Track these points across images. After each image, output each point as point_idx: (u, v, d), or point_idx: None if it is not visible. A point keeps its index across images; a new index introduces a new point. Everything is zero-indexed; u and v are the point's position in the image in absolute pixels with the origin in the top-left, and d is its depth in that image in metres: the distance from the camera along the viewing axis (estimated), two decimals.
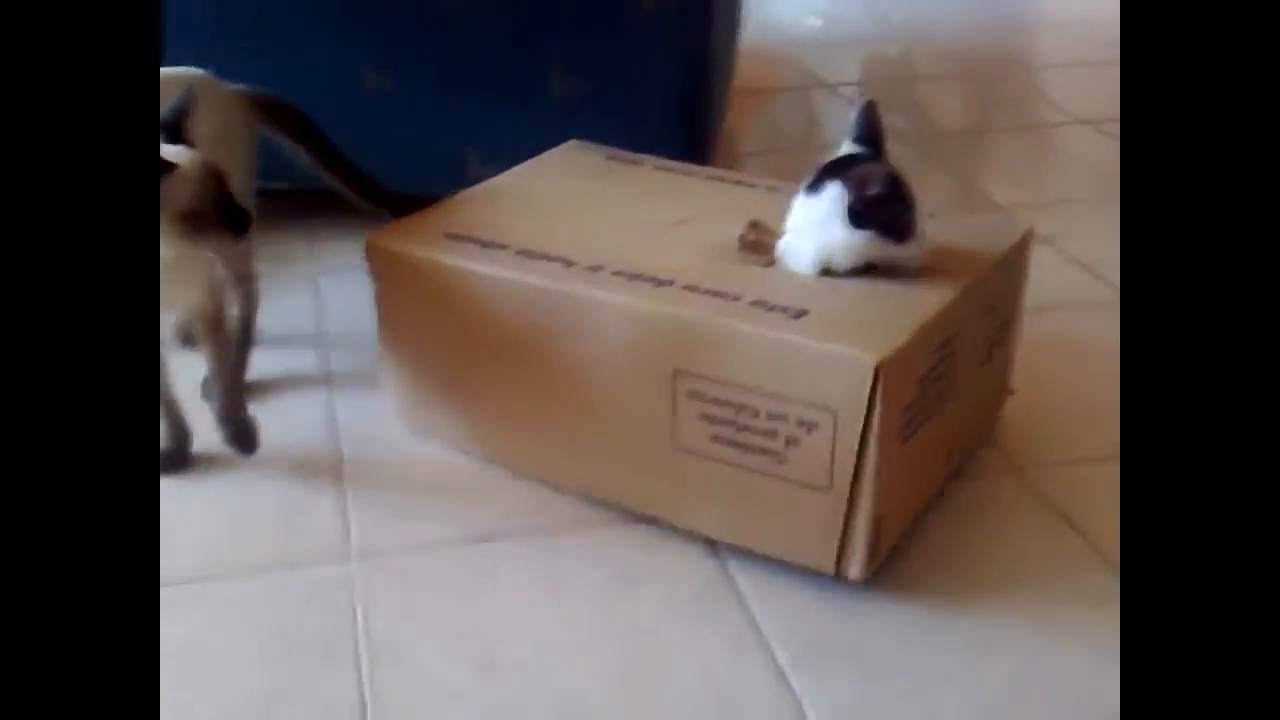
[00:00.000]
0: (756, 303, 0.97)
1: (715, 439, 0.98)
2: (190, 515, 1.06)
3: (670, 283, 1.00)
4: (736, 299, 0.98)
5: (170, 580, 0.85)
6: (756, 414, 0.95)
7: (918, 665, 0.91)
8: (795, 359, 0.93)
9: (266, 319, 1.23)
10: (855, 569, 0.95)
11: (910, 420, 0.95)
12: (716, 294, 0.98)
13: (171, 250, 0.93)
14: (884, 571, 0.98)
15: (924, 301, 0.98)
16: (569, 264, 1.04)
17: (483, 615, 0.97)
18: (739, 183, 1.23)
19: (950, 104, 2.25)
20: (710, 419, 0.97)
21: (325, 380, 1.28)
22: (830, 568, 0.96)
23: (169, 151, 0.96)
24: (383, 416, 1.18)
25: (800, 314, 0.95)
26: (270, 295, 1.24)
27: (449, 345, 1.10)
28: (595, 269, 1.03)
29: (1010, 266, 1.11)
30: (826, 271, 1.01)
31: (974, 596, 0.98)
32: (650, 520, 1.05)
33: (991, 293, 1.07)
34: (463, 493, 1.11)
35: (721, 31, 1.60)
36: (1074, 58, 2.38)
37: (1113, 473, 1.10)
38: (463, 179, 1.27)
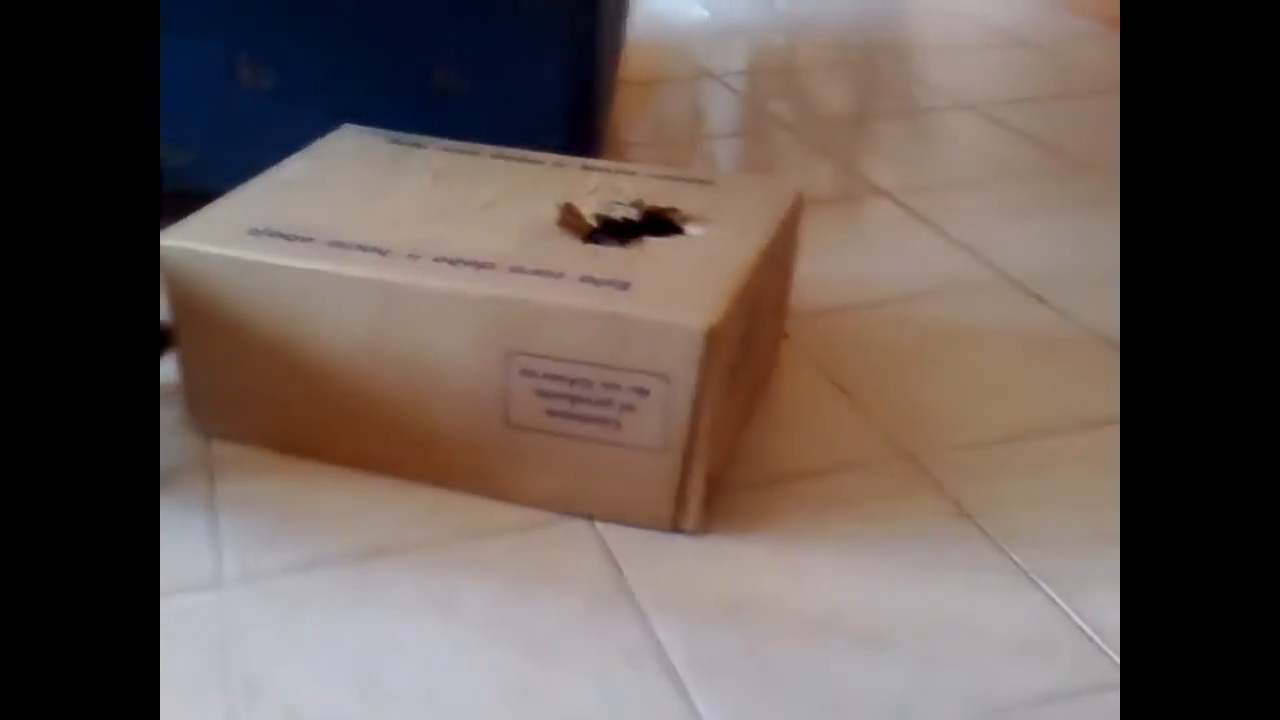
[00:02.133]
0: (584, 279, 1.01)
1: (551, 413, 1.02)
2: None
3: (492, 265, 1.03)
4: (561, 276, 1.01)
5: None
6: (590, 385, 1.00)
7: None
8: (627, 331, 0.97)
9: None
10: (691, 522, 1.02)
11: (731, 376, 1.03)
12: (542, 273, 1.02)
13: None
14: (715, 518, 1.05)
15: (734, 265, 1.05)
16: (384, 253, 1.04)
17: (364, 639, 0.94)
18: (526, 160, 1.25)
19: (833, 91, 2.33)
20: (545, 394, 1.01)
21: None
22: (667, 524, 1.02)
23: None
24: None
25: (625, 286, 1.00)
26: None
27: (265, 345, 1.08)
28: (413, 257, 1.03)
29: (790, 226, 1.20)
30: None
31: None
32: (542, 525, 1.05)
33: (780, 252, 1.16)
34: (343, 507, 1.08)
35: (607, 23, 1.61)
36: (951, 42, 2.51)
37: (1004, 455, 1.17)
38: None
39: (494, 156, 1.27)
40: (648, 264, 1.04)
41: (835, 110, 2.25)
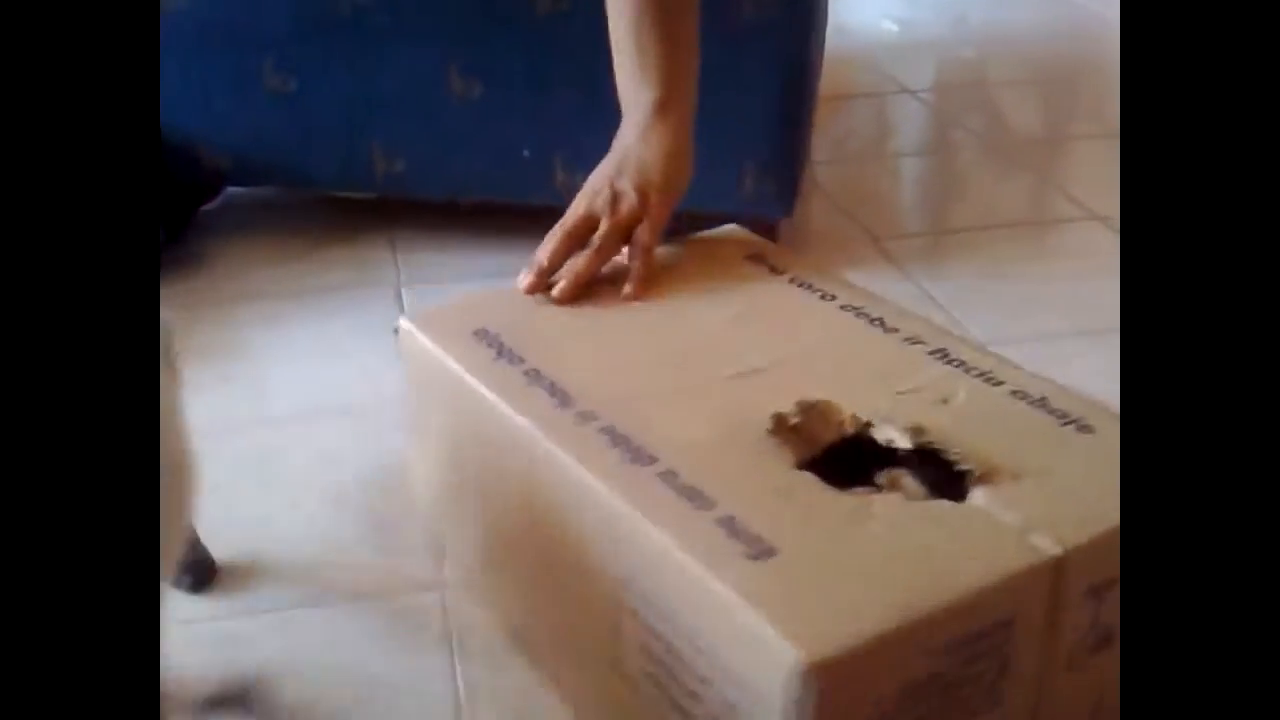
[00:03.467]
0: (725, 520, 0.73)
1: (648, 676, 0.76)
2: None
3: (653, 461, 0.78)
4: (708, 508, 0.74)
5: None
6: (686, 667, 0.72)
7: None
8: (726, 619, 0.68)
9: (349, 332, 1.22)
10: None
11: None
12: (690, 493, 0.75)
13: None
14: None
15: (971, 564, 0.69)
16: (566, 403, 0.84)
17: None
18: (877, 322, 0.95)
19: (1027, 109, 2.21)
20: (647, 652, 0.75)
21: None
22: None
23: None
24: None
25: (765, 554, 0.70)
26: (351, 307, 1.20)
27: (452, 453, 0.95)
28: (586, 417, 0.82)
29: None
30: None
31: None
32: None
33: (1102, 569, 0.75)
34: None
35: (817, 38, 1.59)
36: None
37: None
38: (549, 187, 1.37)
39: (844, 307, 0.97)
40: (838, 530, 0.72)
41: (1028, 129, 2.10)
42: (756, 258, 1.05)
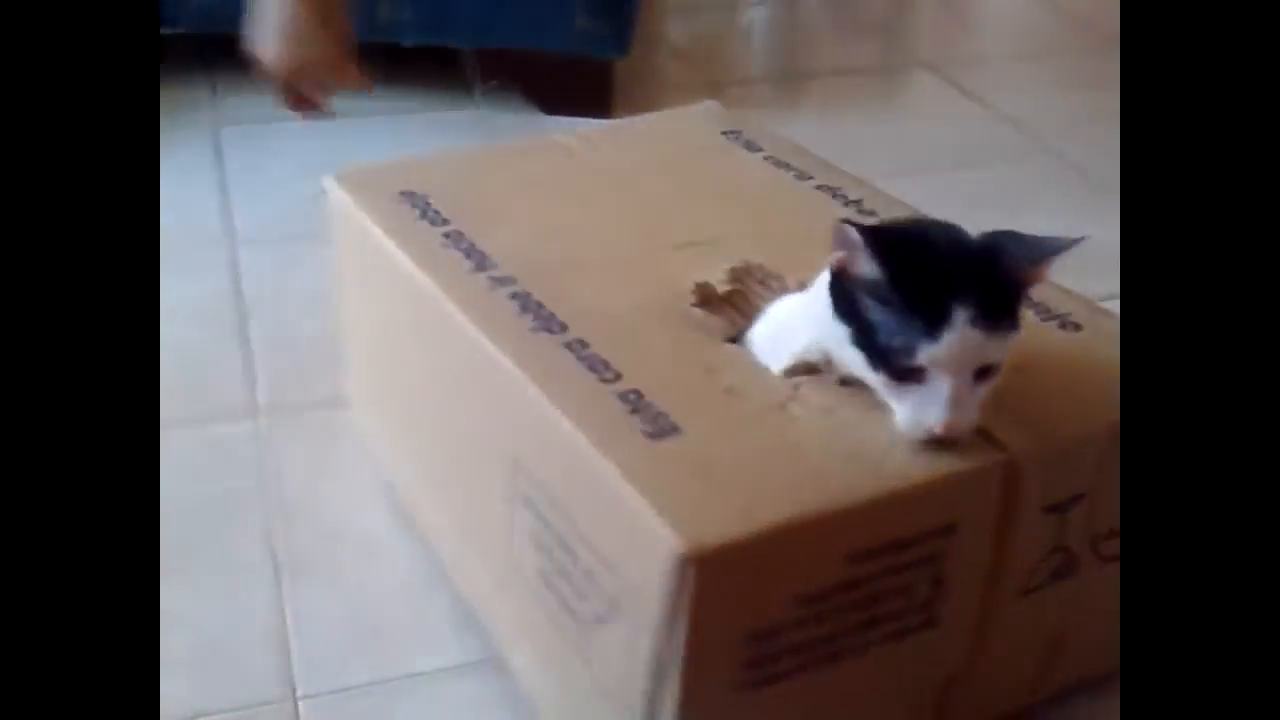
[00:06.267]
0: (628, 394, 0.63)
1: (541, 574, 0.66)
2: None
3: (563, 329, 0.68)
4: (613, 381, 0.64)
5: None
6: (574, 560, 0.63)
7: None
8: (613, 505, 0.59)
9: (164, 172, 1.15)
10: None
11: (777, 655, 0.58)
12: (596, 364, 0.65)
13: None
14: None
15: (902, 461, 0.59)
16: (482, 266, 0.75)
17: None
18: (854, 203, 0.84)
19: None
20: (539, 544, 0.66)
21: (228, 237, 1.23)
22: None
23: None
24: (291, 271, 1.15)
25: (667, 432, 0.60)
26: (168, 147, 1.20)
27: (368, 311, 0.87)
28: (501, 282, 0.73)
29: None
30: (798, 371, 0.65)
31: None
32: None
33: (1066, 482, 0.64)
34: None
35: None
36: None
37: None
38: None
39: (820, 187, 0.86)
40: (757, 413, 0.62)
41: None
42: (733, 134, 0.94)
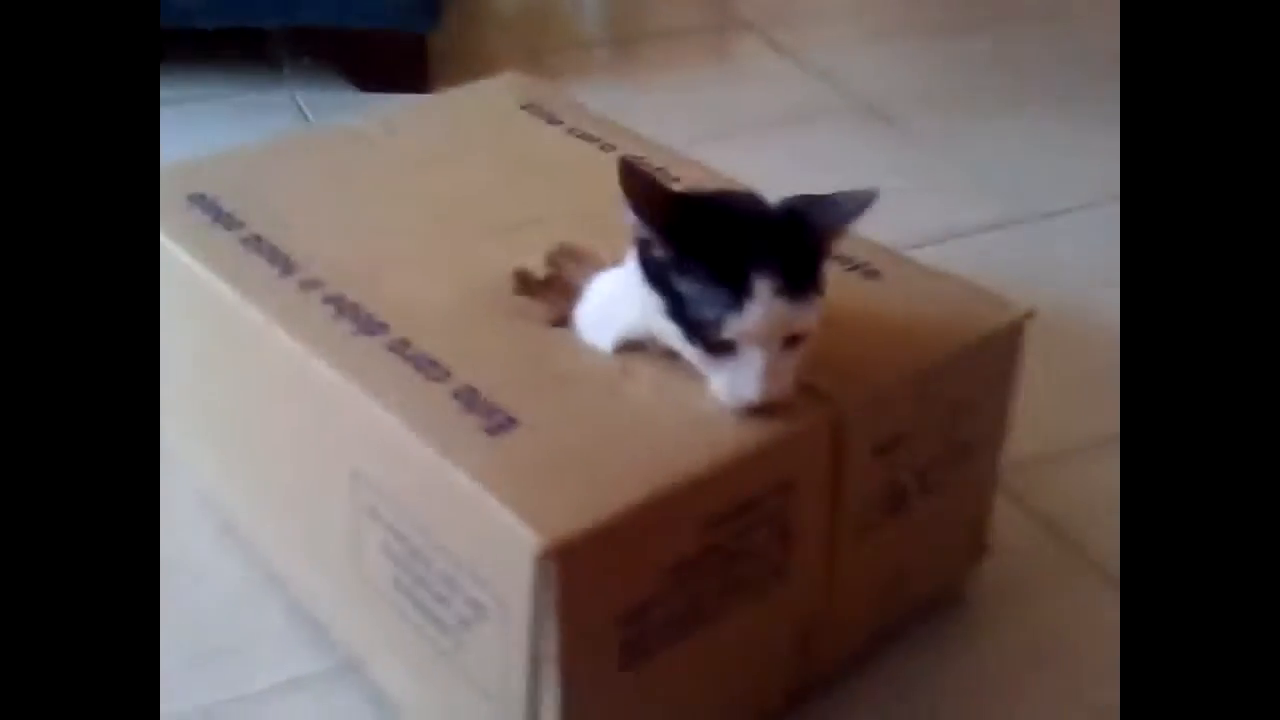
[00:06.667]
0: (464, 390, 0.62)
1: (397, 584, 0.65)
2: None
3: (383, 330, 0.67)
4: (443, 379, 0.63)
5: None
6: (430, 566, 0.62)
7: None
8: (464, 508, 0.58)
9: None
10: None
11: (649, 631, 0.59)
12: (423, 363, 0.64)
13: None
14: None
15: (737, 429, 0.60)
16: (288, 270, 0.72)
17: None
18: (659, 171, 0.85)
19: None
20: (391, 555, 0.65)
21: None
22: None
23: None
24: None
25: (505, 425, 0.60)
26: None
27: (176, 336, 0.82)
28: (310, 285, 0.70)
29: (970, 373, 0.70)
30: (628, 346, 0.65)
31: None
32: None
33: (888, 425, 0.67)
34: None
35: None
36: None
37: None
38: None
39: (620, 155, 0.86)
40: (590, 396, 0.63)
41: None
42: (533, 107, 0.93)
